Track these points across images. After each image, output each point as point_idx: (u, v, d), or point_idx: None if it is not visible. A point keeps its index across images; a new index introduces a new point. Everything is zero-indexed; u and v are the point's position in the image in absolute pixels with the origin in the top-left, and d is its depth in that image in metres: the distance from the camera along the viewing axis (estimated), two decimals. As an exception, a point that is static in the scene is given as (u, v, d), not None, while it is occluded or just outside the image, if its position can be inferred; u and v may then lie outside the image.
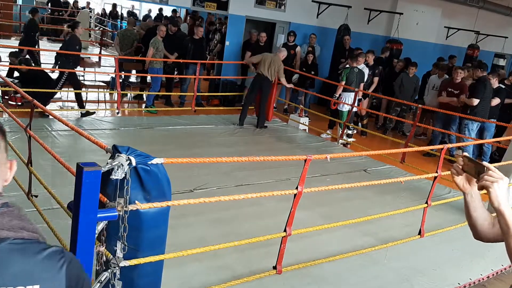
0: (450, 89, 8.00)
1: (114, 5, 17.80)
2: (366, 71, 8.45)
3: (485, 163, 1.48)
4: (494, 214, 1.53)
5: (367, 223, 4.35)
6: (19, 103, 7.44)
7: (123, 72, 8.78)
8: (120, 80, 7.97)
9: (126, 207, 2.32)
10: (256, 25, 10.73)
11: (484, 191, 1.45)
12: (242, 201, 3.79)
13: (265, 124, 8.20)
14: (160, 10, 15.71)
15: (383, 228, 4.59)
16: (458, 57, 11.94)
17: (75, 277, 1.08)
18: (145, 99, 8.74)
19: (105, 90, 9.06)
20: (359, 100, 8.29)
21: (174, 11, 13.74)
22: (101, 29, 16.10)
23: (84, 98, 7.71)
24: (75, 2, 16.33)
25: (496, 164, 5.88)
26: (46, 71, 7.89)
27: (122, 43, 9.10)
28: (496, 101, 7.73)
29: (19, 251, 1.00)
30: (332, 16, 11.19)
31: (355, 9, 11.35)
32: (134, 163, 2.29)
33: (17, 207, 1.08)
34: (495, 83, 7.76)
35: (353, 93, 7.88)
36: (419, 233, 4.40)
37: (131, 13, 17.35)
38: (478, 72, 7.66)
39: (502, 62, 11.50)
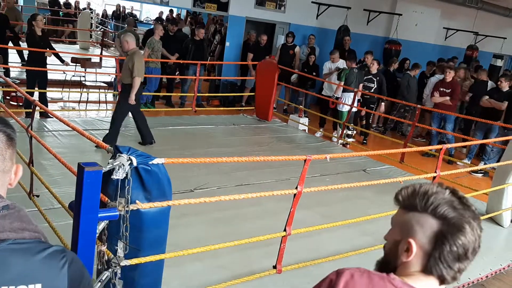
0: (442, 89, 8.05)
1: (118, 6, 17.80)
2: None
3: None
4: None
5: (367, 223, 4.35)
6: (21, 103, 7.46)
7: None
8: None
9: (127, 206, 2.34)
10: (256, 26, 10.75)
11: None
12: (242, 201, 3.80)
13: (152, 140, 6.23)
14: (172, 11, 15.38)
15: (382, 227, 4.55)
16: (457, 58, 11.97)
17: (77, 276, 1.09)
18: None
19: (106, 90, 9.07)
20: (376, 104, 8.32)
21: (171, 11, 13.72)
22: (102, 30, 16.11)
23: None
24: (77, 3, 16.37)
25: (496, 164, 5.91)
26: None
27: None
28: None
29: (20, 251, 1.02)
30: (332, 17, 11.21)
31: (355, 10, 11.38)
32: (135, 163, 2.31)
33: (18, 209, 1.09)
34: (506, 86, 7.73)
35: (353, 94, 7.90)
36: (418, 233, 4.41)
37: (130, 14, 17.36)
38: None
39: (499, 63, 11.51)
